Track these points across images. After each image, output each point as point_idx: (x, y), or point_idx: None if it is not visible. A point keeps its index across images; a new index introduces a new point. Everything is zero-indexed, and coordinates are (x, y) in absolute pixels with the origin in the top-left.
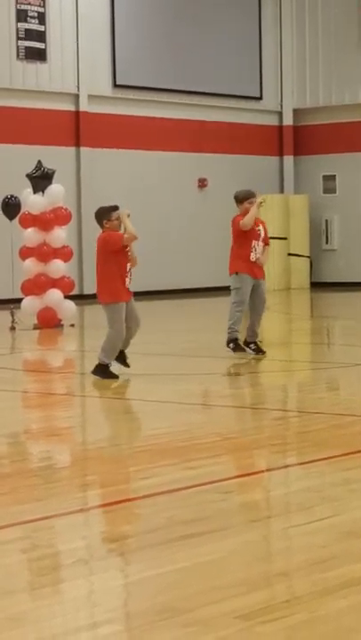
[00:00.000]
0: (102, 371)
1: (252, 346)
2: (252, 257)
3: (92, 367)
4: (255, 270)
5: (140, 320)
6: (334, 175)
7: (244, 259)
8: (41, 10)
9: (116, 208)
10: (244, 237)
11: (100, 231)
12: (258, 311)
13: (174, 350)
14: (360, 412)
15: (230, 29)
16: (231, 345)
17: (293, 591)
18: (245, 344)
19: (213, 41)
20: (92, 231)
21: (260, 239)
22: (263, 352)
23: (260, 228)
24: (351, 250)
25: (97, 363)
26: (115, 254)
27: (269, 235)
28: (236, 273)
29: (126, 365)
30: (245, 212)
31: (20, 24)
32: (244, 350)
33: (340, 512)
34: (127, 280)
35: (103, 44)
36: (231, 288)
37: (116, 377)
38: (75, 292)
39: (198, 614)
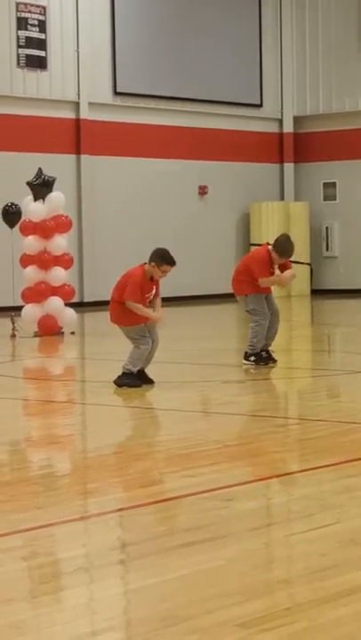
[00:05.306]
0: (126, 377)
1: (263, 354)
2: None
3: (93, 374)
4: (264, 289)
5: (159, 340)
6: (335, 182)
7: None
8: (41, 18)
9: (174, 263)
10: (266, 270)
11: (140, 264)
12: (274, 326)
13: (175, 357)
14: None
15: (231, 37)
16: (252, 358)
17: (294, 599)
18: None
19: (214, 48)
20: (93, 239)
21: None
22: (274, 360)
23: None
24: (352, 257)
25: (121, 372)
26: None
27: (270, 242)
28: (246, 295)
29: (151, 382)
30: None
31: (20, 32)
32: (266, 363)
33: (340, 520)
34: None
35: (103, 51)
36: (249, 310)
37: (139, 385)
38: (75, 299)
39: (199, 622)
